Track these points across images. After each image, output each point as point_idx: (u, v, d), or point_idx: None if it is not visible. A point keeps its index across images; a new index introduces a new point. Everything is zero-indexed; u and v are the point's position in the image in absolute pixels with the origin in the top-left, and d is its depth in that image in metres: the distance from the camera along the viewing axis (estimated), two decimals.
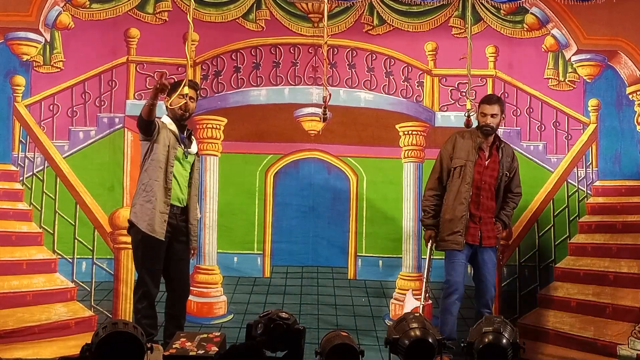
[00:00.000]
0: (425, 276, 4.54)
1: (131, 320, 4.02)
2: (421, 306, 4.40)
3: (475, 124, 4.46)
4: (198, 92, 4.33)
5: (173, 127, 4.17)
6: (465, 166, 4.42)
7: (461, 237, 4.38)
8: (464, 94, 5.03)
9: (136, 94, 5.08)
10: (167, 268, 4.18)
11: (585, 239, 5.09)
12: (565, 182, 5.17)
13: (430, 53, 5.25)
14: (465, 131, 4.51)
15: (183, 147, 4.18)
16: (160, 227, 4.04)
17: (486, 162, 4.46)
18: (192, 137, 4.34)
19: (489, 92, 5.17)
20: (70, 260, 4.92)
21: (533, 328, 4.99)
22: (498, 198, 4.50)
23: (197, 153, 4.32)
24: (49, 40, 5.00)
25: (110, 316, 4.82)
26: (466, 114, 4.40)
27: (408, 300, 4.50)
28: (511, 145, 4.74)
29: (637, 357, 4.64)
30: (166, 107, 4.18)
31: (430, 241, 4.51)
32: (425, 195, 4.57)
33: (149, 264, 4.10)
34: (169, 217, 4.11)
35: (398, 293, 5.09)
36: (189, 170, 4.24)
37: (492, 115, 4.41)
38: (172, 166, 4.11)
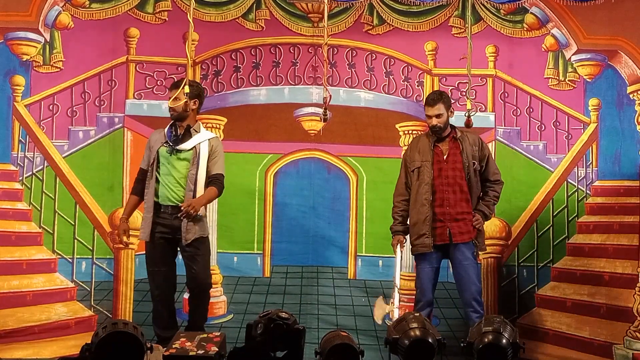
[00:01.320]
0: (395, 282, 4.38)
1: (132, 320, 4.05)
2: (394, 311, 4.28)
3: (475, 123, 4.45)
4: (187, 92, 4.16)
5: (167, 127, 4.28)
6: (421, 167, 4.36)
7: (428, 239, 4.29)
8: (464, 93, 5.03)
9: (136, 94, 5.09)
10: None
11: (583, 239, 5.08)
12: (565, 182, 5.17)
13: (430, 53, 5.25)
14: (423, 133, 4.51)
15: (170, 144, 4.20)
16: (145, 230, 4.20)
17: (445, 157, 4.38)
18: (194, 132, 4.26)
19: (489, 91, 5.19)
20: (70, 260, 4.92)
21: (532, 328, 5.00)
22: (472, 190, 4.36)
23: (194, 148, 4.22)
24: (48, 40, 5.00)
25: (110, 316, 4.82)
26: (466, 114, 4.40)
27: (378, 306, 4.43)
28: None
29: (633, 357, 4.65)
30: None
31: (399, 246, 4.41)
32: (393, 202, 4.49)
33: (147, 265, 4.30)
34: (162, 219, 4.19)
35: (398, 293, 5.08)
36: (188, 167, 4.20)
37: (437, 116, 4.33)
38: (152, 169, 4.19)
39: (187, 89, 4.07)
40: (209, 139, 4.29)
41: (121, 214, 4.74)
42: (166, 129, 4.27)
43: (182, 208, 4.07)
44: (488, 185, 4.44)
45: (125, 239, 4.29)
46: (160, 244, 4.21)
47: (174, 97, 4.10)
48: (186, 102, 4.17)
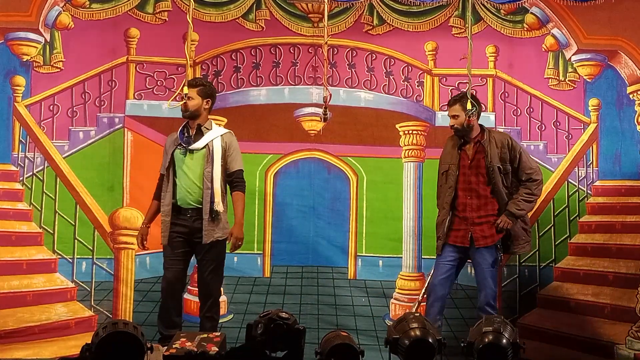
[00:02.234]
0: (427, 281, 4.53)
1: (132, 320, 4.05)
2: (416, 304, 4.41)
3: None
4: (199, 89, 4.27)
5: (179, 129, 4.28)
6: (448, 170, 4.39)
7: (440, 242, 4.34)
8: None
9: (136, 94, 5.09)
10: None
11: (586, 239, 5.08)
12: (566, 182, 5.17)
13: (430, 53, 5.25)
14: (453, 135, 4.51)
15: (183, 145, 4.20)
16: (165, 234, 4.20)
17: (469, 162, 4.37)
18: (205, 130, 4.27)
19: (489, 92, 5.19)
20: (70, 260, 4.92)
21: (533, 328, 4.99)
22: (499, 194, 4.31)
23: (207, 145, 4.21)
24: (49, 40, 5.00)
25: (110, 316, 4.83)
26: (467, 114, 4.40)
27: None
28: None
29: (634, 357, 4.64)
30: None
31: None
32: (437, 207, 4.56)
33: (164, 263, 4.28)
34: (182, 220, 4.19)
35: (398, 293, 5.10)
36: (203, 166, 4.20)
37: (454, 117, 4.36)
38: (169, 172, 4.20)
39: (185, 90, 4.12)
40: (221, 135, 4.29)
41: (121, 214, 4.78)
42: (178, 131, 4.28)
43: (231, 245, 4.19)
44: (520, 185, 4.37)
45: (144, 244, 4.32)
46: (177, 243, 4.20)
47: (173, 97, 4.15)
48: (185, 103, 4.19)
